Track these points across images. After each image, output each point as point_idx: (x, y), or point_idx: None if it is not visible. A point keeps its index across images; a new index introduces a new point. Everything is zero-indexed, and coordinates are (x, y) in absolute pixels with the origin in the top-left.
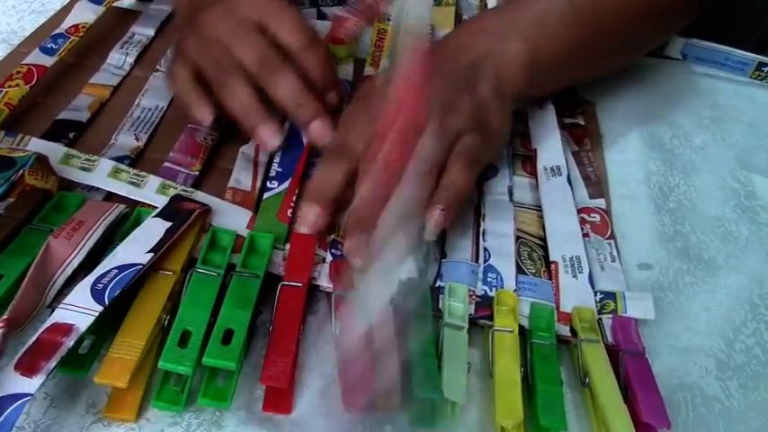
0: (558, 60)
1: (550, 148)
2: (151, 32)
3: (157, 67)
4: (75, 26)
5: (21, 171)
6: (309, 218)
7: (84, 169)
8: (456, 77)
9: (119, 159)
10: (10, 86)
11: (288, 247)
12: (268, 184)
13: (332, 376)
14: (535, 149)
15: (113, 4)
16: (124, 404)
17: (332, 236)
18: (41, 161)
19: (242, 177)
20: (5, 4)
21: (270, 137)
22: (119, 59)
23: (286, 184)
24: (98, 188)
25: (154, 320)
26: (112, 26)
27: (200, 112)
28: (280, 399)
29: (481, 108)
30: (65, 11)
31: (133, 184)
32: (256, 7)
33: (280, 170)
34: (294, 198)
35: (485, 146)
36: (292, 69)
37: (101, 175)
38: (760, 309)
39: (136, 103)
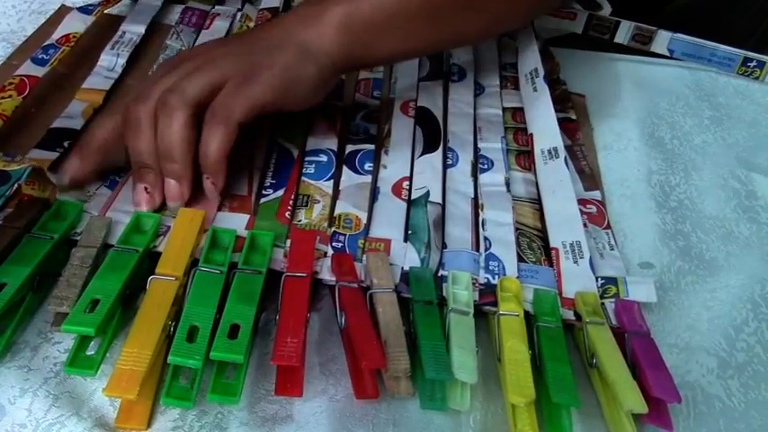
0: (389, 24)
1: (546, 130)
2: (141, 30)
3: (150, 73)
4: (66, 36)
5: (16, 185)
6: (68, 168)
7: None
8: (258, 42)
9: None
10: (3, 98)
11: (288, 243)
12: (263, 191)
13: (337, 374)
14: (531, 134)
15: (104, 12)
16: (134, 414)
17: (332, 229)
18: (37, 172)
19: (238, 183)
20: (5, 4)
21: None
22: (110, 61)
23: (280, 192)
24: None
25: (160, 328)
26: (103, 33)
27: None
28: (291, 382)
29: (266, 57)
30: (51, 22)
31: None
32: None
33: (273, 181)
34: (291, 200)
35: (242, 91)
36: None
37: (99, 201)
38: (761, 308)
39: None
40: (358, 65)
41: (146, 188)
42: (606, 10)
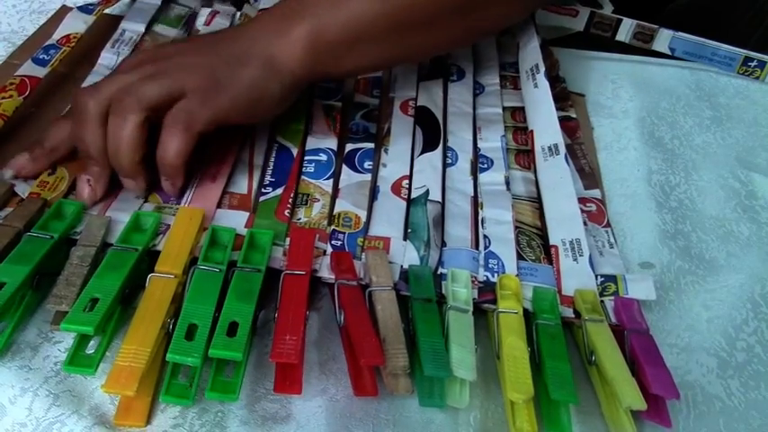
0: (353, 42)
1: (547, 127)
2: (141, 28)
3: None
4: (67, 36)
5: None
6: (15, 165)
7: None
8: (222, 54)
9: None
10: (4, 98)
11: (288, 241)
12: (263, 189)
13: (337, 374)
14: (532, 131)
15: (104, 12)
16: (133, 411)
17: (331, 227)
18: None
19: (238, 181)
20: (5, 3)
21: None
22: (110, 60)
23: (280, 190)
24: None
25: (159, 326)
26: (104, 34)
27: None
28: (290, 379)
29: (231, 72)
30: (52, 21)
31: None
32: None
33: (273, 179)
34: (291, 199)
35: (206, 102)
36: None
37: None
38: (761, 308)
39: None
40: (320, 79)
41: (88, 180)
42: (607, 9)
